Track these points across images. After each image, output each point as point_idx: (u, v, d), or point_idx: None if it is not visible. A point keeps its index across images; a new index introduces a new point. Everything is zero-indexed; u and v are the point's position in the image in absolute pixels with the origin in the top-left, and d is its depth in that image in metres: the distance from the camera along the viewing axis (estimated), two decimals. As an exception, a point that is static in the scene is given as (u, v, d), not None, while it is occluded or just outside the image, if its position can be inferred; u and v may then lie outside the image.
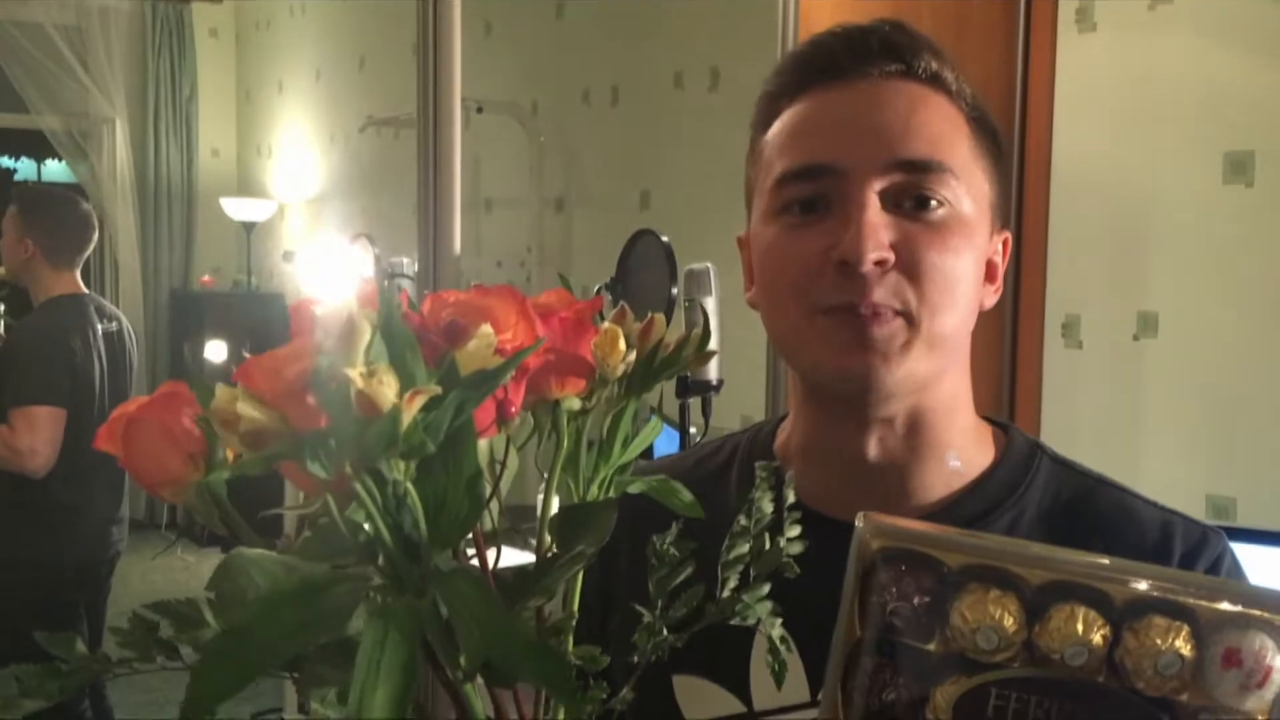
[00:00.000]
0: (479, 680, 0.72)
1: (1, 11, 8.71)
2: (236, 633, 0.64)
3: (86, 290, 4.40)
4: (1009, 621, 0.79)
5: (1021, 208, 3.61)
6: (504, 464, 0.74)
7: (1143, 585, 0.79)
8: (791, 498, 0.84)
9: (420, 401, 0.58)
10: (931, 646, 0.81)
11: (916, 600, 0.81)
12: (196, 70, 9.90)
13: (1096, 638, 0.78)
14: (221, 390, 0.60)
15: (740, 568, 0.81)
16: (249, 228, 9.51)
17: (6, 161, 9.86)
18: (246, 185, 10.12)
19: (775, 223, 1.13)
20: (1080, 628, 0.78)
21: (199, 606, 0.73)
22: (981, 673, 0.80)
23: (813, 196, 1.10)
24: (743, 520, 0.82)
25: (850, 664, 0.82)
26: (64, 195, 4.51)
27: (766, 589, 0.81)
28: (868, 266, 1.05)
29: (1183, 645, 0.77)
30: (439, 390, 0.59)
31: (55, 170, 9.78)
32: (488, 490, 0.72)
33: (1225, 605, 0.78)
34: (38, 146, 9.42)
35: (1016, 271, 3.62)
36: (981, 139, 1.15)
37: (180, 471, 0.71)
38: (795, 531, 0.82)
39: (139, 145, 9.52)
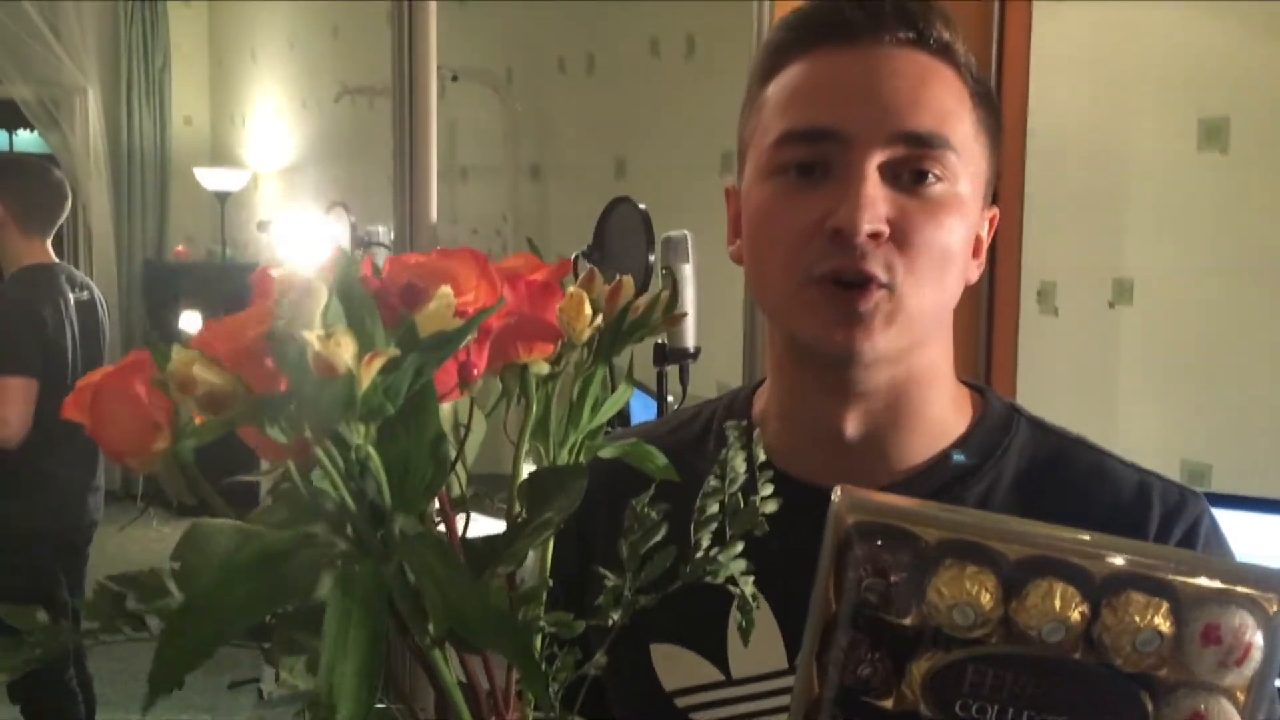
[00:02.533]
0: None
1: (-29, -20, 8.64)
2: (198, 602, 0.63)
3: (58, 260, 4.36)
4: (986, 598, 0.78)
5: (997, 174, 3.60)
6: (468, 427, 0.73)
7: (1122, 561, 0.78)
8: (763, 456, 0.83)
9: (379, 364, 0.57)
10: (907, 621, 0.80)
11: (893, 576, 0.80)
12: (169, 39, 9.81)
13: (1074, 614, 0.77)
14: (179, 353, 0.59)
15: (713, 527, 0.80)
16: (223, 197, 9.45)
17: (-23, 131, 9.80)
18: (220, 154, 10.05)
19: (770, 183, 1.11)
20: (1058, 604, 0.77)
21: (161, 577, 0.72)
22: (958, 648, 0.79)
23: (811, 160, 1.08)
24: (714, 480, 0.81)
25: (825, 638, 0.81)
26: (37, 163, 4.48)
27: (740, 548, 0.80)
28: (862, 238, 1.03)
29: (1161, 622, 0.77)
30: (397, 352, 0.58)
31: (27, 140, 9.71)
32: (453, 454, 0.71)
33: (1205, 581, 0.77)
34: (9, 116, 9.34)
35: (992, 238, 3.62)
36: (984, 115, 1.13)
37: (147, 440, 0.70)
38: (769, 490, 0.81)
39: (111, 114, 9.44)
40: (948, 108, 1.09)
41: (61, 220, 4.34)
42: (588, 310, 0.77)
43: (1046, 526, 0.81)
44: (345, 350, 0.56)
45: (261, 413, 0.57)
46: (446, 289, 0.62)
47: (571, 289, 0.78)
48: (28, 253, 4.23)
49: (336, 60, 8.36)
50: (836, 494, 0.82)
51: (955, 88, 1.10)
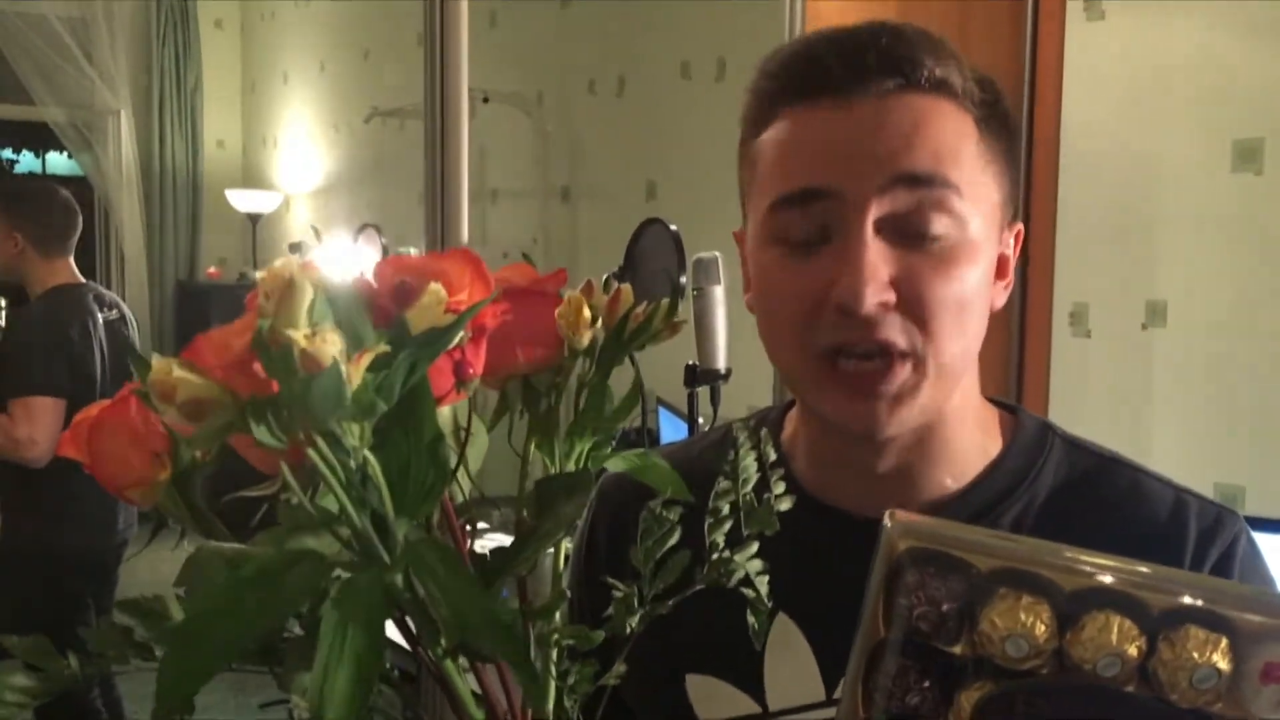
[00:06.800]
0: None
1: (5, 3, 8.70)
2: (196, 621, 0.63)
3: (84, 280, 4.38)
4: (1040, 630, 0.76)
5: (1029, 196, 3.59)
6: (469, 430, 0.72)
7: (1182, 595, 0.75)
8: (773, 455, 0.81)
9: (368, 359, 0.56)
10: (957, 650, 0.78)
11: (945, 605, 0.78)
12: (201, 62, 9.88)
13: (1131, 649, 0.75)
14: (158, 362, 0.58)
15: (727, 528, 0.79)
16: (254, 219, 9.50)
17: (8, 154, 9.84)
18: (252, 177, 10.10)
19: (770, 250, 1.06)
20: (1115, 638, 0.75)
21: (166, 603, 0.71)
22: (1008, 679, 0.77)
23: (808, 227, 1.03)
24: (724, 481, 0.80)
25: (872, 664, 0.79)
26: (43, 185, 4.53)
27: (755, 548, 0.78)
28: (868, 310, 0.99)
29: (1220, 659, 0.74)
30: (387, 348, 0.56)
31: (58, 162, 9.77)
32: (454, 460, 0.69)
33: (1265, 618, 0.75)
34: (41, 138, 9.40)
35: (1024, 260, 3.61)
36: (991, 139, 1.06)
37: (147, 472, 0.70)
38: (781, 488, 0.80)
39: (144, 137, 9.49)
40: (945, 145, 1.02)
41: (76, 237, 4.35)
42: (586, 314, 0.76)
43: (1103, 556, 0.78)
44: (332, 345, 0.54)
45: (248, 415, 0.56)
46: (437, 285, 0.60)
47: (569, 294, 0.77)
48: (51, 274, 4.26)
49: (367, 82, 8.39)
50: (888, 519, 0.79)
51: (953, 122, 1.04)
